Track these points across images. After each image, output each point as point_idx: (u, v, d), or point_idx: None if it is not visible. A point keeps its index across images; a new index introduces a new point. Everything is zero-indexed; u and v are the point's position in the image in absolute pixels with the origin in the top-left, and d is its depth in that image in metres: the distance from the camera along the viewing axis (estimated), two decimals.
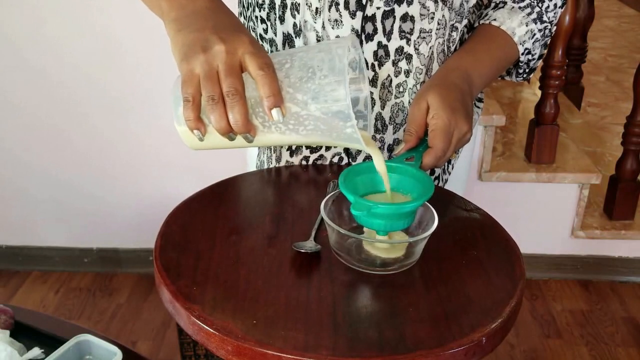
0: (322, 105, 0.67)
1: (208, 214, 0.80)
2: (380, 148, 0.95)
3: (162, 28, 0.73)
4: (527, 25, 0.91)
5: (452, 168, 1.04)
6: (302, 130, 0.69)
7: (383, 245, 0.72)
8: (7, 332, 1.04)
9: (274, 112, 0.66)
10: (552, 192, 2.10)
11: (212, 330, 0.61)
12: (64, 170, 2.09)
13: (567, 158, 2.15)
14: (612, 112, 3.02)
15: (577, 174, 2.07)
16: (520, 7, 0.92)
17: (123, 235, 2.18)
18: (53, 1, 1.85)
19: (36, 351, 1.01)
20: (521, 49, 0.92)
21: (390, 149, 0.95)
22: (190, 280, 0.69)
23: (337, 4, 0.85)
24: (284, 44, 0.92)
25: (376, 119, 0.93)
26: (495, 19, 0.92)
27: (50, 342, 1.04)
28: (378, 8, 0.86)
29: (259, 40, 0.95)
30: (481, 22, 0.94)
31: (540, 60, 0.98)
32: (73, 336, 1.02)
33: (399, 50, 0.88)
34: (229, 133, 0.68)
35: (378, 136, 0.94)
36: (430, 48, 0.90)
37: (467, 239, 0.77)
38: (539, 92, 2.14)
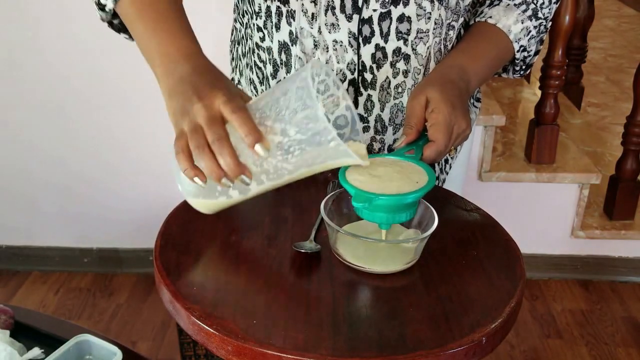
0: (299, 128, 0.67)
1: (208, 214, 0.80)
2: (380, 149, 0.95)
3: None
4: (522, 23, 0.91)
5: (450, 168, 1.04)
6: (292, 158, 0.69)
7: (381, 256, 0.71)
8: (7, 332, 1.04)
9: (257, 147, 0.66)
10: (552, 192, 2.10)
11: (212, 330, 0.61)
12: (64, 171, 2.09)
13: (567, 158, 2.15)
14: (612, 112, 3.02)
15: (577, 174, 2.07)
16: (515, 4, 0.92)
17: (123, 235, 2.18)
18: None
19: (36, 351, 1.01)
20: (517, 47, 0.92)
21: (391, 150, 0.95)
22: (190, 280, 0.69)
23: (333, 7, 0.85)
24: (279, 52, 0.92)
25: (376, 121, 0.93)
26: (491, 17, 0.92)
27: (50, 342, 1.04)
28: (374, 10, 0.86)
29: (256, 48, 0.95)
30: (477, 19, 0.94)
31: (537, 57, 0.98)
32: (73, 336, 1.02)
33: (397, 52, 0.88)
34: (223, 177, 0.68)
35: (378, 137, 0.94)
36: (427, 48, 0.90)
37: (467, 239, 0.77)
38: (539, 92, 2.14)
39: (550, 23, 0.96)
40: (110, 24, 0.86)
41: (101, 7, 0.82)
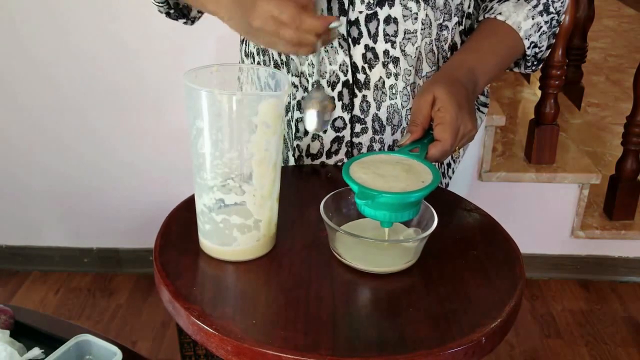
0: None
1: None
2: (380, 149, 0.95)
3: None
4: (533, 19, 0.90)
5: (453, 172, 1.04)
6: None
7: (381, 262, 0.72)
8: (7, 332, 1.03)
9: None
10: (552, 192, 2.10)
11: (211, 330, 0.61)
12: (65, 170, 2.09)
13: (567, 158, 2.15)
14: (612, 112, 3.02)
15: (577, 174, 2.07)
16: (526, 0, 0.90)
17: (123, 235, 2.18)
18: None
19: (36, 351, 1.01)
20: (527, 44, 0.91)
21: (392, 150, 0.95)
22: (190, 280, 0.69)
23: (321, 11, 0.86)
24: (279, 53, 0.93)
25: (373, 120, 0.93)
26: (500, 13, 0.90)
27: (50, 342, 1.04)
28: (360, 12, 0.86)
29: (260, 54, 0.98)
30: (486, 16, 0.92)
31: (549, 51, 0.96)
32: (73, 336, 1.01)
33: (386, 53, 0.89)
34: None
35: (377, 137, 0.94)
36: (416, 49, 0.89)
37: (467, 239, 0.77)
38: (539, 92, 2.14)
39: (563, 16, 0.93)
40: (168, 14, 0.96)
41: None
